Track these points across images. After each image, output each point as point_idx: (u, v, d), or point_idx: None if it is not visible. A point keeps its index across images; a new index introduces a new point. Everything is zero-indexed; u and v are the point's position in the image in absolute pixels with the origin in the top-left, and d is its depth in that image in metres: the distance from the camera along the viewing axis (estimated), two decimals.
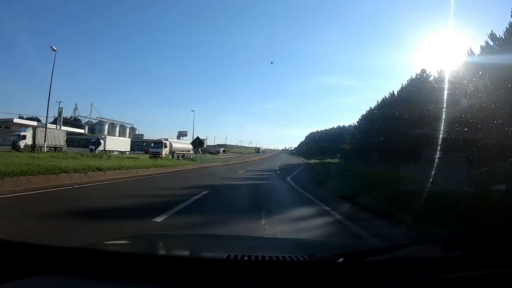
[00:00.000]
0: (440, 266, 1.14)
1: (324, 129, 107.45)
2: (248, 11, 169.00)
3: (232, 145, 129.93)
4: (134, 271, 1.08)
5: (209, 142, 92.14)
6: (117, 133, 75.16)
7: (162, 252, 1.67)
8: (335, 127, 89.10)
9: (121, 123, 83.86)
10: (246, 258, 1.15)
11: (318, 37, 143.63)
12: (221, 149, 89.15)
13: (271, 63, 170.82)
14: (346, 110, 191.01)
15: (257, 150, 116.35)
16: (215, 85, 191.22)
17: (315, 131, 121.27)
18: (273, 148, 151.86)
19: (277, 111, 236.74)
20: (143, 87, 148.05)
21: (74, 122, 76.48)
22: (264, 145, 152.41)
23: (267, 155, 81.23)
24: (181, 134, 73.43)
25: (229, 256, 1.16)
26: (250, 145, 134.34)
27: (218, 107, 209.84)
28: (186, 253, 1.71)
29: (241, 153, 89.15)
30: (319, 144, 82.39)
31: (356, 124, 44.13)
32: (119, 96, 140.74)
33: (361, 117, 40.40)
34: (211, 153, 71.89)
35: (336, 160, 37.44)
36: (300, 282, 1.05)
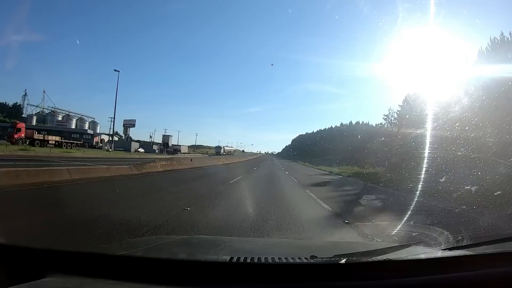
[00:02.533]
0: (441, 266, 1.15)
1: (316, 131, 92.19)
2: (233, 15, 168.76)
3: (208, 146, 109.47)
4: (137, 274, 1.09)
5: (174, 140, 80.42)
6: (73, 126, 66.22)
7: (165, 255, 1.68)
8: (333, 126, 76.73)
9: (80, 116, 72.36)
10: (249, 260, 1.16)
11: (304, 44, 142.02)
12: (182, 148, 74.28)
13: (272, 64, 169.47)
14: (329, 116, 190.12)
15: (217, 150, 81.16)
16: (199, 87, 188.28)
17: (304, 133, 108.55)
18: (256, 152, 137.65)
19: (260, 115, 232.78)
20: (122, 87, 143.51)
21: (13, 109, 67.77)
22: (246, 148, 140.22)
23: (248, 159, 53.61)
24: (128, 124, 62.14)
25: (232, 258, 1.17)
26: (226, 146, 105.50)
27: (202, 109, 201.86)
28: (189, 255, 1.72)
29: (207, 153, 78.02)
30: (313, 147, 68.20)
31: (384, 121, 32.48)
32: (107, 95, 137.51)
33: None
34: (169, 152, 59.34)
35: (377, 169, 21.72)
36: (303, 283, 1.06)
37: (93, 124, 73.24)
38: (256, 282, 1.06)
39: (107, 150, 41.74)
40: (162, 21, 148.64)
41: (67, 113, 71.14)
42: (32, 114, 69.45)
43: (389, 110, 31.85)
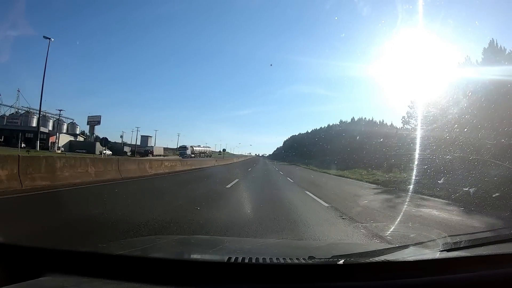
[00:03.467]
0: (439, 267, 1.15)
1: (311, 130, 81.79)
2: (224, 19, 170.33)
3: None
4: (135, 273, 1.09)
5: (152, 142, 72.72)
6: (49, 127, 58.50)
7: (163, 254, 1.68)
8: (331, 124, 67.38)
9: (59, 116, 62.51)
10: (246, 261, 1.16)
11: (295, 47, 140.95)
12: (156, 150, 63.37)
13: (271, 65, 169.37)
14: (320, 118, 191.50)
15: (182, 151, 59.24)
16: (189, 91, 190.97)
17: (297, 134, 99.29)
18: (246, 154, 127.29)
19: (251, 118, 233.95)
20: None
21: None
22: (235, 150, 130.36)
23: (231, 161, 40.70)
24: (92, 122, 53.79)
25: (229, 258, 1.17)
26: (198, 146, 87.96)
27: (191, 112, 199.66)
28: (187, 255, 1.72)
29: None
30: (311, 148, 60.80)
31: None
32: (99, 99, 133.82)
33: None
34: (141, 153, 51.56)
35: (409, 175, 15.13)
36: (300, 284, 1.06)
37: (72, 126, 65.83)
38: (254, 282, 1.06)
39: (49, 151, 34.17)
40: (156, 27, 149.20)
41: (44, 113, 59.27)
42: (4, 114, 62.05)
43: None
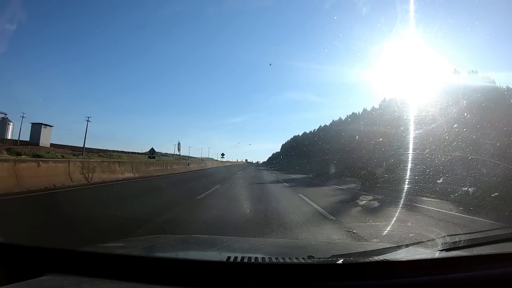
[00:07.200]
0: (440, 266, 1.15)
1: (325, 125, 61.90)
2: (215, 25, 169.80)
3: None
4: (134, 273, 1.09)
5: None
6: None
7: (162, 254, 1.68)
8: (333, 120, 52.38)
9: None
10: (246, 260, 1.16)
11: (285, 54, 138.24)
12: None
13: (270, 64, 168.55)
14: (312, 124, 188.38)
15: None
16: (181, 98, 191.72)
17: (300, 134, 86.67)
18: (235, 160, 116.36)
19: (243, 125, 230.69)
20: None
21: None
22: (225, 157, 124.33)
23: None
24: None
25: (229, 258, 1.17)
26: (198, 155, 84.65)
27: (184, 119, 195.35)
28: (186, 255, 1.72)
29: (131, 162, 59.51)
30: (311, 147, 48.44)
31: None
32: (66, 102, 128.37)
33: None
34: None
35: None
36: (300, 283, 1.06)
37: (2, 122, 50.95)
38: (253, 282, 1.06)
39: None
40: (146, 30, 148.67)
41: None
42: None
43: None
